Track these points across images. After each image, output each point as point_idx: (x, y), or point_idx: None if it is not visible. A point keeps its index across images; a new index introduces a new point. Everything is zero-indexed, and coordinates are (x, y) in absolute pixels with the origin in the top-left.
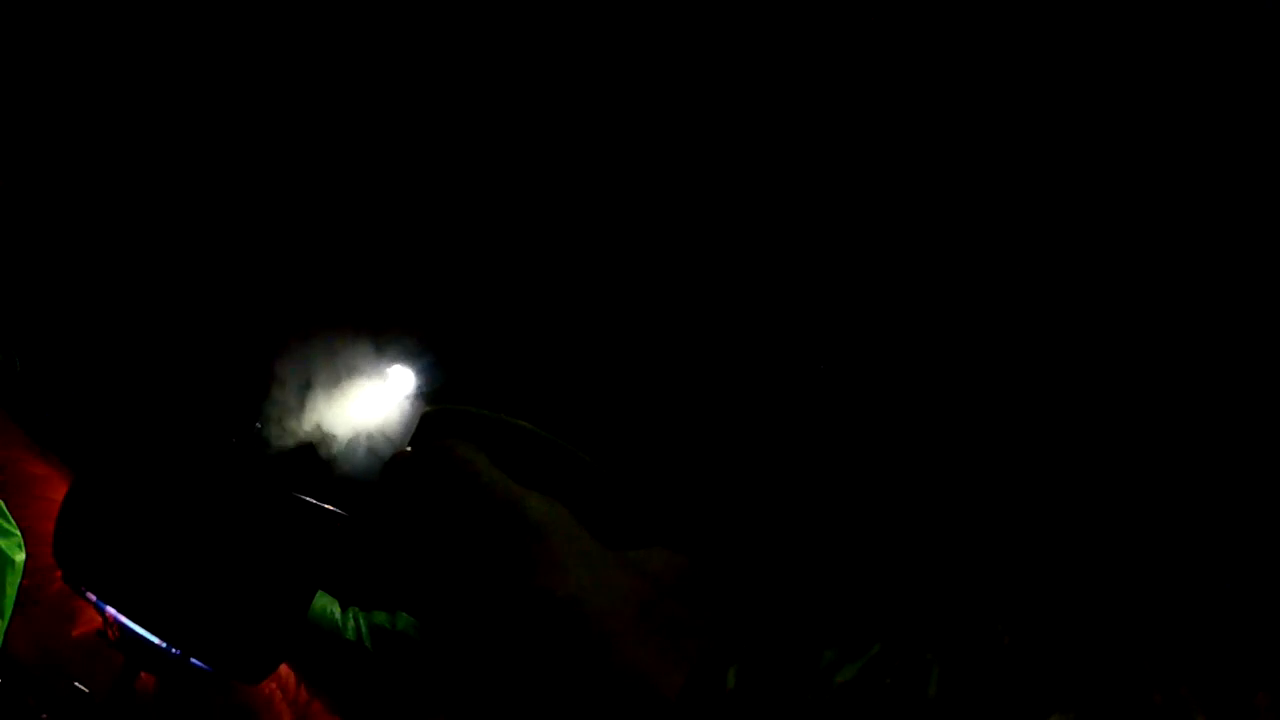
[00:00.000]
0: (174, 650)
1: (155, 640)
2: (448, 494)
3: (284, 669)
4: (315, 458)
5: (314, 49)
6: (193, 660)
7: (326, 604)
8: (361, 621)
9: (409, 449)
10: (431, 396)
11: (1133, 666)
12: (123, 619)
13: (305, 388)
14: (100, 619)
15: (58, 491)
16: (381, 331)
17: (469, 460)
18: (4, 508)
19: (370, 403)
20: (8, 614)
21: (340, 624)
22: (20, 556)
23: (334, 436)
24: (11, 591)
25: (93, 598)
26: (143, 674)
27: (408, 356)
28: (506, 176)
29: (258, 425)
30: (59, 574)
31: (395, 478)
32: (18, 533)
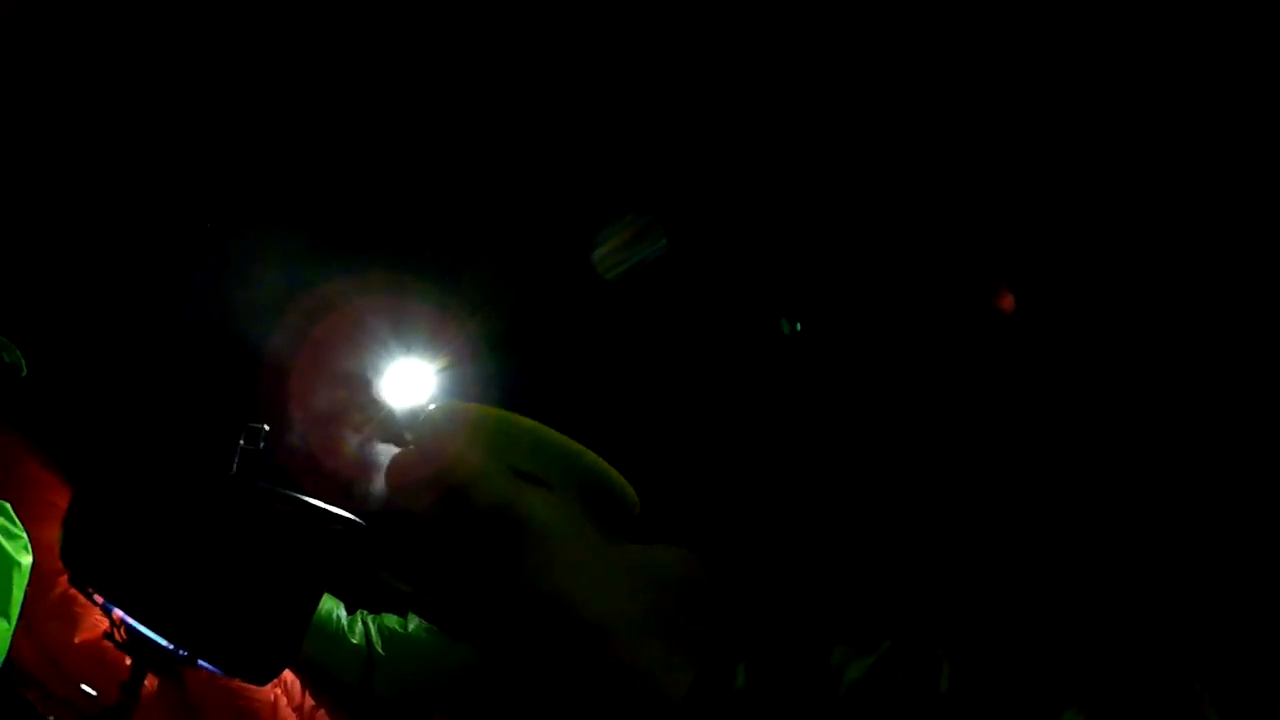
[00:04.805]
0: (181, 651)
1: (162, 642)
2: (450, 492)
3: (288, 674)
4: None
5: (338, 56)
6: (200, 662)
7: (332, 607)
8: (371, 625)
9: (412, 447)
10: (435, 394)
11: (1147, 662)
12: (130, 620)
13: (311, 389)
14: (107, 621)
15: (61, 496)
16: (388, 331)
17: (472, 458)
18: (10, 509)
19: (376, 399)
20: (14, 616)
21: (346, 627)
22: (27, 559)
23: (342, 434)
24: (18, 594)
25: (100, 600)
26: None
27: (414, 354)
28: (512, 185)
29: (265, 427)
30: (63, 578)
31: (398, 476)
32: (24, 535)
